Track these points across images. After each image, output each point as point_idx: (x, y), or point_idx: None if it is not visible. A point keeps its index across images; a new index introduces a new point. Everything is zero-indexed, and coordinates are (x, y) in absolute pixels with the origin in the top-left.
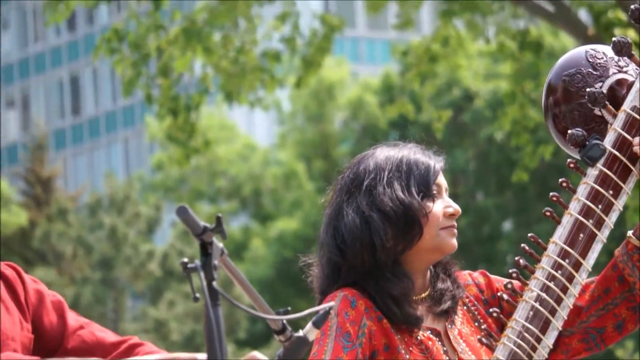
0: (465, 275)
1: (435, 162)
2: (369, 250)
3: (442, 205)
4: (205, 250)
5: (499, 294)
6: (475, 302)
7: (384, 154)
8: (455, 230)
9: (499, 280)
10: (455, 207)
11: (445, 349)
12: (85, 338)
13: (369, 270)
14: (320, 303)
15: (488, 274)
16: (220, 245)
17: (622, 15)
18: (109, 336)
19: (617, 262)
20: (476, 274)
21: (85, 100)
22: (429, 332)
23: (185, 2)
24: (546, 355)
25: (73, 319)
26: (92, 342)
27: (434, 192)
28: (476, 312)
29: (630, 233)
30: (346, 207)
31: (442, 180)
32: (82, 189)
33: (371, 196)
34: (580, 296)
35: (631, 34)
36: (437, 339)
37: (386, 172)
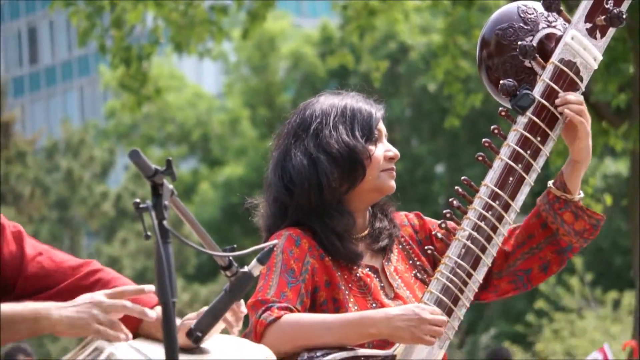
0: (401, 216)
1: (376, 110)
2: (316, 189)
3: (383, 149)
4: (156, 191)
5: (433, 232)
6: (410, 242)
7: (329, 101)
8: (394, 173)
9: (432, 222)
10: (394, 151)
11: (382, 284)
12: (44, 264)
13: (314, 208)
14: (265, 241)
15: (423, 215)
16: (170, 186)
17: None
18: (69, 260)
19: (540, 211)
20: (412, 216)
21: (43, 50)
22: (368, 269)
23: None
24: (476, 290)
25: (31, 246)
26: (51, 267)
27: (376, 136)
28: (410, 251)
29: (550, 183)
30: (294, 149)
31: (382, 126)
32: (40, 134)
33: (318, 139)
34: (506, 241)
35: None
36: (375, 276)
37: (332, 117)
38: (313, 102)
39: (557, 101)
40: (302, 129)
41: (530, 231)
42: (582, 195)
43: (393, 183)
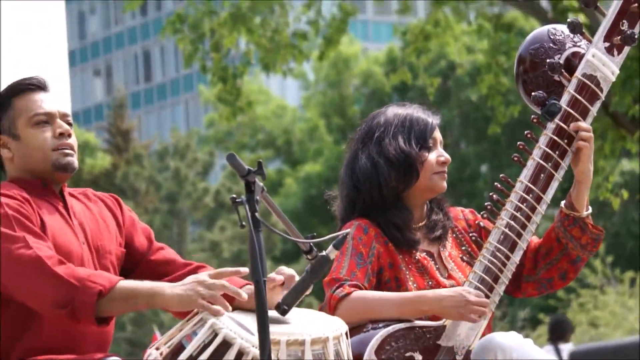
0: (457, 211)
1: (433, 119)
2: (376, 188)
3: (436, 155)
4: (249, 188)
5: (477, 221)
6: (463, 232)
7: (393, 111)
8: (446, 175)
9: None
10: (446, 157)
11: (437, 266)
12: (165, 254)
13: (377, 204)
14: (340, 230)
15: (476, 212)
16: (261, 184)
17: (575, 3)
18: (180, 259)
19: (555, 227)
20: (467, 211)
21: (155, 70)
22: (425, 253)
23: None
24: (513, 270)
25: (157, 242)
26: (169, 259)
27: (430, 144)
28: (462, 239)
29: (562, 203)
30: (360, 154)
31: (437, 134)
32: (153, 140)
33: (380, 146)
34: (533, 252)
35: (581, 18)
36: (431, 259)
37: (392, 127)
38: (381, 112)
39: (571, 126)
40: (368, 136)
41: (548, 245)
42: (589, 211)
43: (444, 184)
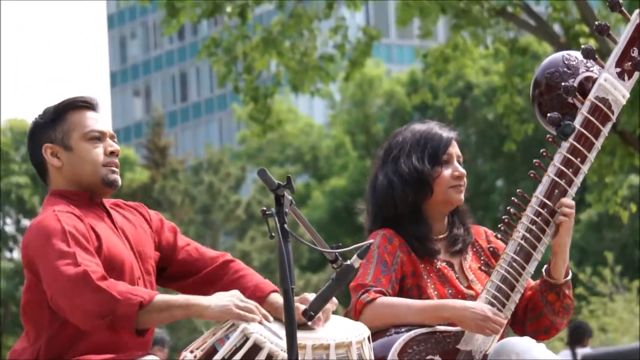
0: (481, 230)
1: (447, 135)
2: (393, 205)
3: (451, 170)
4: (279, 201)
5: (494, 234)
6: (483, 247)
7: (412, 130)
8: (462, 188)
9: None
10: (460, 171)
11: (457, 276)
12: (191, 252)
13: (396, 218)
14: (367, 239)
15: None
16: (289, 197)
17: (586, 28)
18: (209, 251)
19: (536, 289)
20: (489, 232)
21: (191, 90)
22: (445, 263)
23: (264, 17)
24: (528, 279)
25: (182, 238)
26: (196, 256)
27: (445, 159)
28: (482, 253)
29: (544, 269)
30: (380, 173)
31: (453, 149)
32: (188, 155)
33: (396, 165)
34: (523, 303)
35: (592, 42)
36: (451, 269)
37: (408, 146)
38: (400, 131)
39: (556, 204)
40: (386, 156)
41: (534, 301)
42: (568, 277)
43: (460, 196)
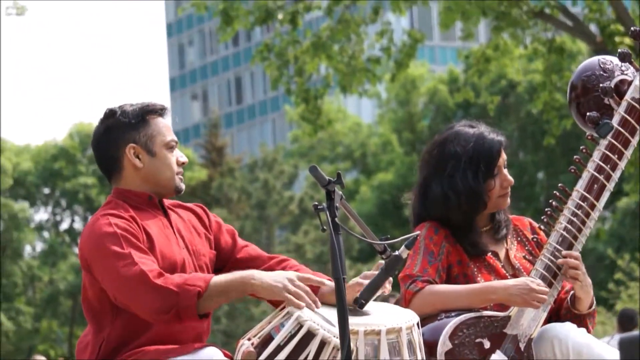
0: (525, 221)
1: (497, 145)
2: (445, 214)
3: (500, 180)
4: (330, 196)
5: (538, 225)
6: (528, 238)
7: (464, 139)
8: (509, 194)
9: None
10: (509, 180)
11: (502, 264)
12: (250, 252)
13: (445, 222)
14: (412, 231)
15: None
16: (340, 192)
17: (621, 27)
18: (264, 254)
19: (562, 307)
20: (534, 224)
21: (245, 93)
22: (491, 253)
23: (313, 23)
24: None
25: (241, 240)
26: (254, 255)
27: (496, 172)
28: (527, 243)
29: (568, 298)
30: (434, 182)
31: (501, 157)
32: (244, 154)
33: (450, 180)
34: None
35: (627, 41)
36: (497, 259)
37: (462, 164)
38: (451, 137)
39: (559, 261)
40: (441, 167)
41: (557, 308)
42: (592, 308)
43: (507, 202)
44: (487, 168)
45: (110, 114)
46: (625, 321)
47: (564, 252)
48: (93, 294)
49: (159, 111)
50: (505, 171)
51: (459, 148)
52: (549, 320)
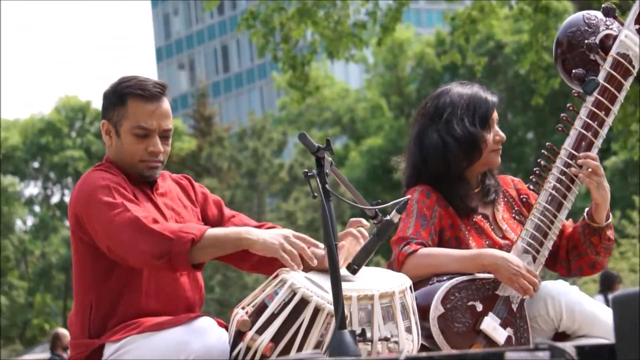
0: (508, 179)
1: (492, 100)
2: (444, 163)
3: (493, 134)
4: (319, 162)
5: (527, 185)
6: (513, 197)
7: (458, 92)
8: (500, 151)
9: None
10: (501, 135)
11: (492, 227)
12: (236, 222)
13: (442, 176)
14: (404, 194)
15: (523, 182)
16: (329, 158)
17: None
18: (252, 222)
19: (577, 231)
20: (517, 180)
21: (232, 62)
22: (481, 216)
23: None
24: (560, 227)
25: (228, 211)
26: (241, 225)
27: (490, 124)
28: (513, 203)
29: (586, 211)
30: (430, 130)
31: (495, 113)
32: (232, 123)
33: (448, 126)
34: (563, 242)
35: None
36: (487, 221)
37: (459, 109)
38: (445, 92)
39: (579, 162)
40: (437, 115)
41: (574, 242)
42: (609, 220)
43: (498, 159)
44: (483, 117)
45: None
46: (607, 282)
47: (582, 154)
48: (81, 256)
49: (142, 94)
50: (498, 129)
51: (456, 98)
52: (555, 262)
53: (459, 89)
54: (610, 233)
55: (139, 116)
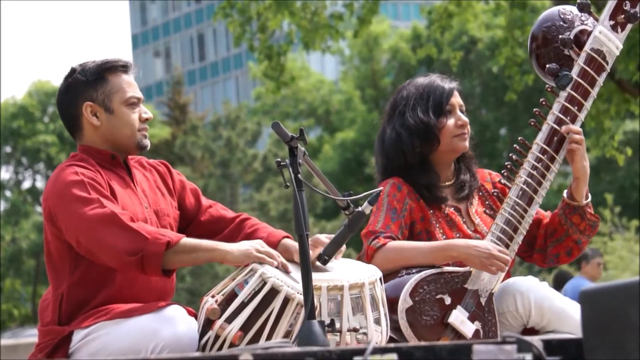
0: (485, 173)
1: (449, 86)
2: (402, 156)
3: (454, 119)
4: (293, 152)
5: (498, 179)
6: (488, 191)
7: (415, 84)
8: (466, 136)
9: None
10: (463, 120)
11: (464, 220)
12: (213, 213)
13: (404, 168)
14: (376, 187)
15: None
16: (303, 149)
17: None
18: (229, 213)
19: (558, 213)
20: (494, 174)
21: (208, 50)
22: (453, 208)
23: None
24: (530, 222)
25: (205, 200)
26: (217, 217)
27: (448, 110)
28: (487, 197)
29: (565, 193)
30: (387, 126)
31: (456, 99)
32: (207, 112)
33: (402, 118)
34: (541, 227)
35: None
36: (459, 214)
37: (412, 100)
38: (404, 86)
39: (562, 129)
40: (392, 110)
41: (553, 227)
42: (589, 199)
43: (465, 144)
44: (437, 104)
45: (71, 72)
46: (558, 281)
47: (564, 127)
48: (54, 247)
49: (120, 68)
50: (461, 114)
51: (412, 90)
52: (532, 252)
53: (418, 81)
54: (590, 211)
55: (125, 88)
